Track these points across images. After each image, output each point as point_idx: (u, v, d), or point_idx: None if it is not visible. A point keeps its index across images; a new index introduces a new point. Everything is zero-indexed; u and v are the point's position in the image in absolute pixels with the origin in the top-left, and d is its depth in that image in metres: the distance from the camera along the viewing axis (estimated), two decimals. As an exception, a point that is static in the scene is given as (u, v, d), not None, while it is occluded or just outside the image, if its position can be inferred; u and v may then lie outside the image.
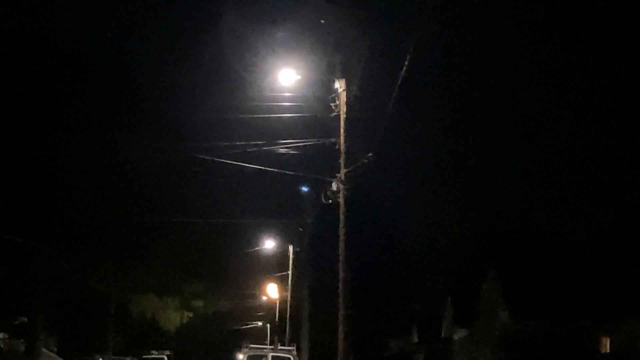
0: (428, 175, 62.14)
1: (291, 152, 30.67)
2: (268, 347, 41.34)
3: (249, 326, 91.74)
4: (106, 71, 40.35)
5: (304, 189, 55.29)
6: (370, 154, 25.36)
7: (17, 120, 40.79)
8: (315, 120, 29.69)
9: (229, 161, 31.95)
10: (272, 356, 34.66)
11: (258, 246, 62.04)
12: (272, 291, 73.92)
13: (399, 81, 19.97)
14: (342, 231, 28.45)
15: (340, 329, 28.46)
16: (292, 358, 34.55)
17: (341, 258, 28.43)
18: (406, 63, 18.31)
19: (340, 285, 28.54)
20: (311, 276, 49.85)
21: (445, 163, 66.86)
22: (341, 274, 28.41)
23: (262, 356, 35.00)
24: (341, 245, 28.48)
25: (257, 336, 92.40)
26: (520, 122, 61.81)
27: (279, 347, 39.03)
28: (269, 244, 61.70)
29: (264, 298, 76.26)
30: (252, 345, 42.11)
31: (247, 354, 35.34)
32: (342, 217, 28.41)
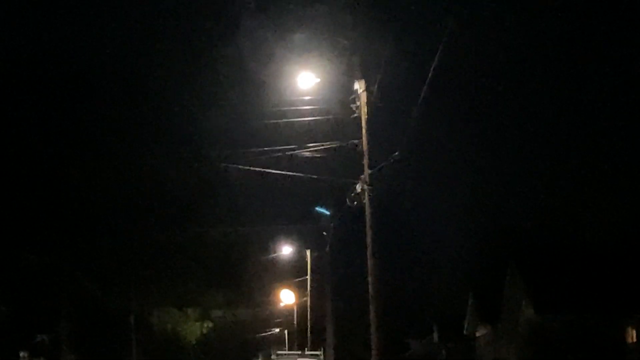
0: (447, 173, 62.05)
1: (312, 155, 30.54)
2: (296, 352, 41.40)
3: (267, 333, 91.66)
4: (122, 82, 40.20)
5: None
6: (396, 154, 25.16)
7: (37, 138, 40.78)
8: (335, 122, 29.55)
9: (248, 167, 31.87)
10: (300, 362, 34.72)
11: (275, 252, 61.95)
12: (286, 297, 73.73)
13: (428, 79, 19.77)
14: (369, 232, 28.26)
15: (373, 329, 28.29)
16: (319, 362, 34.55)
17: (369, 258, 28.26)
18: (436, 59, 18.12)
19: (370, 287, 28.38)
20: (334, 280, 49.72)
21: (464, 160, 66.69)
22: (370, 275, 28.24)
23: (290, 361, 35.09)
24: (369, 245, 28.30)
25: (275, 343, 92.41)
26: (541, 117, 61.70)
27: (306, 352, 39.10)
28: (286, 250, 61.63)
29: (282, 304, 76.06)
30: (279, 352, 42.12)
31: (277, 360, 35.44)
32: (368, 218, 28.22)
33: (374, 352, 28.62)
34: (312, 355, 36.77)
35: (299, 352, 39.95)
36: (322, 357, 36.49)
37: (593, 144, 54.76)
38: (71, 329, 54.12)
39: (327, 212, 56.18)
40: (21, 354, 56.94)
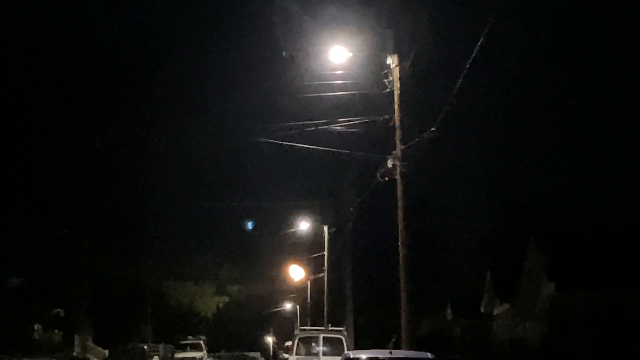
0: (470, 150, 61.80)
1: (343, 130, 30.50)
2: (319, 328, 41.39)
3: (279, 309, 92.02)
4: (152, 56, 40.15)
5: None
6: (432, 129, 25.08)
7: (60, 110, 40.74)
8: (367, 97, 29.48)
9: (278, 142, 31.84)
10: (324, 337, 34.61)
11: (293, 228, 61.97)
12: (295, 273, 73.62)
13: (473, 54, 19.60)
14: (400, 208, 28.30)
15: (403, 300, 28.29)
16: (343, 338, 34.44)
17: (400, 234, 28.30)
18: (485, 31, 17.93)
19: (400, 262, 28.42)
20: (356, 256, 49.66)
21: (489, 137, 66.42)
22: (401, 250, 28.26)
23: (313, 337, 35.00)
24: (400, 221, 28.33)
25: (288, 318, 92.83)
26: (565, 93, 61.36)
27: (330, 329, 39.06)
28: (303, 226, 61.59)
29: (295, 280, 76.11)
30: (303, 327, 42.11)
31: (299, 336, 35.33)
32: (399, 194, 28.25)
33: (403, 325, 28.66)
34: (336, 330, 36.64)
35: (322, 328, 39.85)
36: (345, 332, 36.38)
37: (615, 119, 54.56)
38: (88, 302, 54.29)
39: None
40: (36, 327, 57.24)
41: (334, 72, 29.15)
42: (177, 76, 40.74)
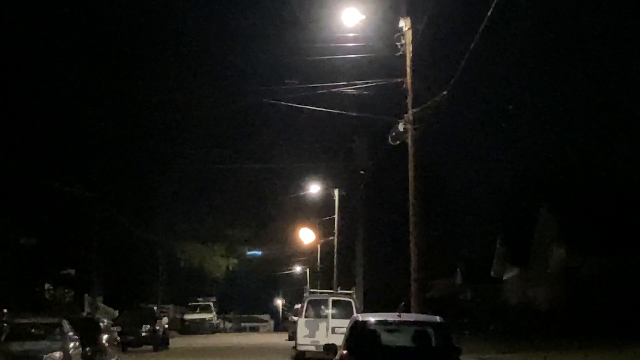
0: (480, 115, 61.38)
1: (355, 93, 30.37)
2: (328, 291, 41.43)
3: (289, 271, 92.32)
4: (161, 17, 39.91)
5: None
6: (444, 93, 24.86)
7: (74, 70, 40.62)
8: (379, 60, 29.29)
9: (290, 104, 31.77)
10: (333, 300, 34.67)
11: (304, 191, 61.94)
12: (305, 236, 73.64)
13: (487, 16, 19.39)
14: (411, 172, 28.15)
15: (413, 263, 28.20)
16: (352, 301, 34.50)
17: (411, 197, 28.21)
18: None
19: (410, 226, 28.34)
20: (365, 220, 49.50)
21: (500, 103, 65.89)
22: (412, 215, 28.19)
23: (322, 300, 35.06)
24: (411, 185, 28.22)
25: (298, 281, 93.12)
26: (578, 52, 60.78)
27: (339, 291, 39.13)
28: (314, 189, 61.56)
29: (305, 242, 76.14)
30: (312, 290, 42.22)
31: (308, 299, 35.37)
32: (411, 157, 28.10)
33: (413, 289, 28.64)
34: (345, 294, 36.68)
35: (332, 291, 39.91)
36: (354, 295, 36.40)
37: (626, 84, 54.12)
38: (99, 263, 54.43)
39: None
40: (46, 287, 57.52)
41: (346, 34, 28.95)
42: (190, 40, 40.58)
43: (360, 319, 15.90)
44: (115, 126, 45.48)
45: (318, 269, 76.73)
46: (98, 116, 43.55)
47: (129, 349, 41.46)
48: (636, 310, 38.27)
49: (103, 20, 38.36)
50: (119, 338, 36.30)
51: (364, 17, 28.15)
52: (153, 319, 46.26)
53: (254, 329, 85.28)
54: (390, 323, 15.69)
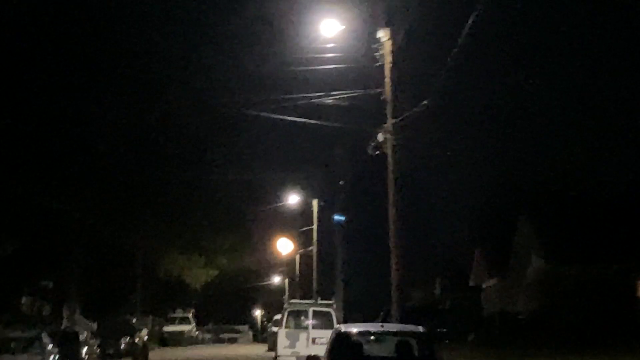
0: (459, 125, 61.61)
1: (334, 103, 30.38)
2: (309, 301, 41.33)
3: (268, 282, 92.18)
4: (140, 23, 39.62)
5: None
6: (425, 103, 24.99)
7: (52, 84, 40.33)
8: (359, 71, 29.35)
9: (265, 114, 31.74)
10: (314, 311, 34.57)
11: (283, 201, 61.99)
12: (283, 246, 73.33)
13: (465, 30, 19.52)
14: (390, 182, 28.29)
15: (393, 275, 28.38)
16: (332, 312, 34.42)
17: (390, 207, 28.33)
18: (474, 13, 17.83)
19: (390, 236, 28.49)
20: (345, 230, 49.61)
21: (478, 113, 66.22)
22: (391, 224, 28.30)
23: (303, 311, 34.94)
24: (390, 194, 28.34)
25: (276, 292, 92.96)
26: (563, 69, 61.20)
27: (319, 302, 39.06)
28: (293, 199, 61.66)
29: (283, 253, 76.00)
30: (293, 301, 42.15)
31: (288, 310, 35.22)
32: (390, 168, 28.21)
33: (393, 299, 28.77)
34: (325, 304, 36.63)
35: (312, 302, 39.85)
36: (334, 306, 36.38)
37: (606, 94, 54.49)
38: (77, 274, 54.12)
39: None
40: (23, 300, 57.18)
41: (325, 45, 28.99)
42: (165, 47, 40.37)
43: (342, 329, 15.88)
44: (93, 135, 45.17)
45: (297, 279, 76.63)
46: (75, 125, 43.25)
47: (109, 361, 41.28)
48: (614, 319, 38.50)
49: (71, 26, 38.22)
50: (98, 350, 36.11)
51: (343, 27, 28.27)
52: (132, 331, 46.00)
53: (232, 340, 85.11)
54: (373, 333, 15.69)
